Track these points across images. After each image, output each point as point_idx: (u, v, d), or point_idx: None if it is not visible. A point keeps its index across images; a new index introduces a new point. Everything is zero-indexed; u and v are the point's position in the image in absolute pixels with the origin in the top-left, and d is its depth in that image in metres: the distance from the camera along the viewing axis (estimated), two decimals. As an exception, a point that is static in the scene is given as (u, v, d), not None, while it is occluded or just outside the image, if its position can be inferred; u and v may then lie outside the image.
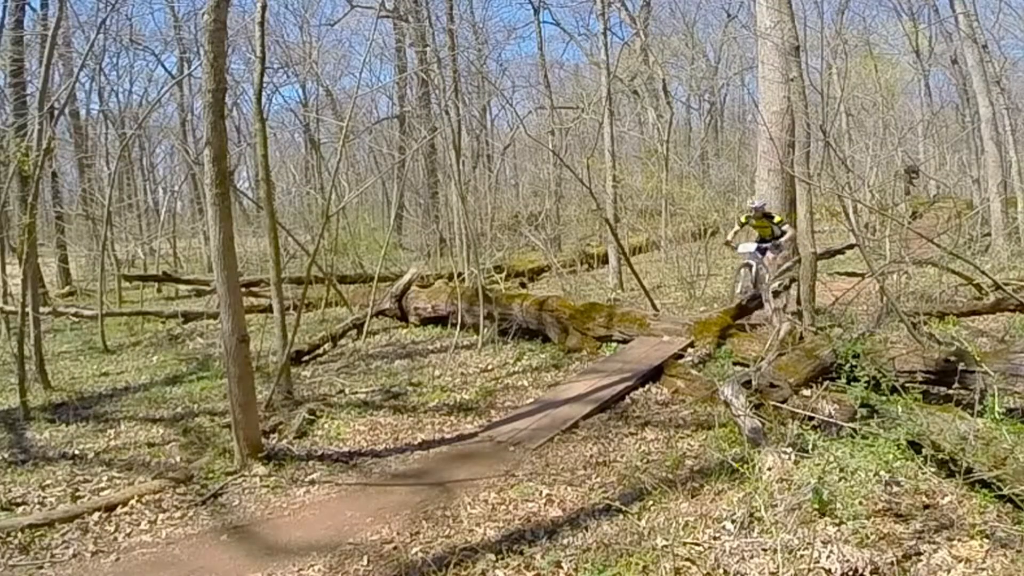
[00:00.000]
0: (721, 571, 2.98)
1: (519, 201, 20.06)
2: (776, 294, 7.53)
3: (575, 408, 5.46)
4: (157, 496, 4.28)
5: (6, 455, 5.24)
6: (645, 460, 4.46)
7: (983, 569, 2.86)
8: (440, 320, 9.13)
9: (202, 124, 6.20)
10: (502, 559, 3.27)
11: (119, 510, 4.10)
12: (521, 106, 23.86)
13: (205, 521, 4.02)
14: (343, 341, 8.66)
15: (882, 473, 3.58)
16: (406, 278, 9.57)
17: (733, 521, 3.32)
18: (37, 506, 4.26)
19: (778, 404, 4.56)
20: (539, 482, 4.19)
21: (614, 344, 7.15)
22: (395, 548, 3.50)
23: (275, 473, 4.59)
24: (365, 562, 3.38)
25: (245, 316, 4.98)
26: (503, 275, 11.01)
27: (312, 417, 5.68)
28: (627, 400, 5.74)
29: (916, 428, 3.80)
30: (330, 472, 4.64)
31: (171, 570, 3.47)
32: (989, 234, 12.95)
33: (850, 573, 2.83)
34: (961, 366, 4.55)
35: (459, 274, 9.81)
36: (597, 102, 15.54)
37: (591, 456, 4.62)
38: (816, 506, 3.27)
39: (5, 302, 10.09)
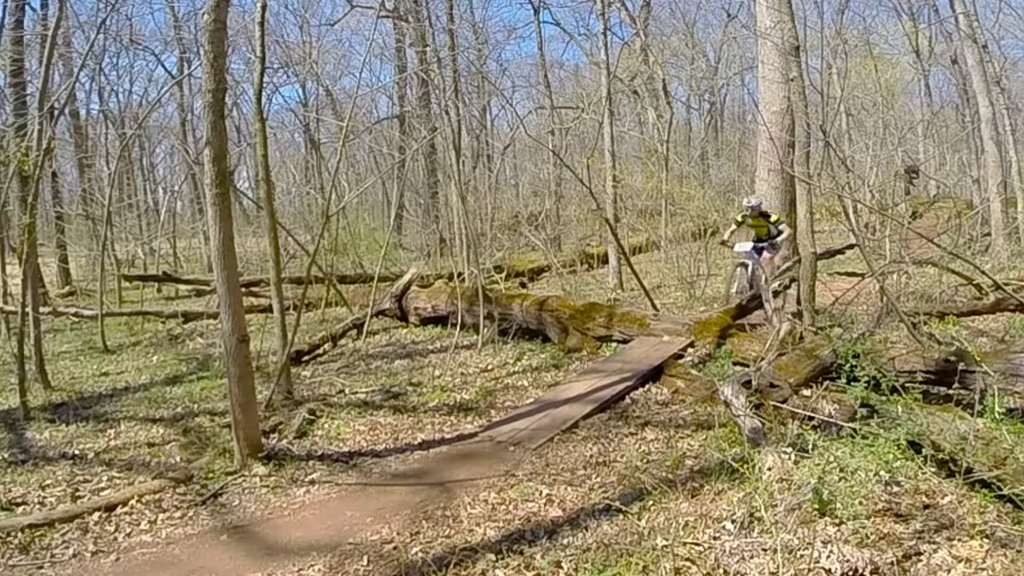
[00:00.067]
0: (721, 571, 2.98)
1: (519, 201, 20.06)
2: (776, 294, 7.53)
3: (575, 408, 5.46)
4: (157, 496, 4.28)
5: (6, 455, 5.24)
6: (645, 460, 4.46)
7: (983, 569, 2.86)
8: (440, 320, 9.13)
9: (202, 124, 6.20)
10: (502, 559, 3.27)
11: (119, 510, 4.10)
12: (521, 106, 23.90)
13: (205, 521, 4.02)
14: (343, 341, 8.66)
15: (882, 473, 3.58)
16: (406, 278, 9.57)
17: (733, 521, 3.32)
18: (37, 506, 4.26)
19: (778, 404, 4.56)
20: (539, 482, 4.19)
21: (614, 344, 7.15)
22: (395, 548, 3.50)
23: (275, 473, 4.59)
24: (365, 562, 3.38)
25: (245, 316, 4.98)
26: (503, 275, 11.01)
27: (312, 417, 5.68)
28: (627, 400, 5.74)
29: (916, 428, 3.80)
30: (330, 472, 4.64)
31: (171, 570, 3.47)
32: (989, 234, 12.95)
33: (850, 573, 2.83)
34: (961, 366, 4.55)
35: (459, 274, 9.81)
36: (597, 102, 15.54)
37: (591, 456, 4.62)
38: (816, 506, 3.27)
39: (5, 302, 10.09)
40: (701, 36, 25.57)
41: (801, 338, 5.66)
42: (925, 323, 5.87)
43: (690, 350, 6.49)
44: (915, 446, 3.81)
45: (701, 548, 3.18)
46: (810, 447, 3.91)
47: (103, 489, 4.49)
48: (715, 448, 4.31)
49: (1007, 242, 12.48)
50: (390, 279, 10.50)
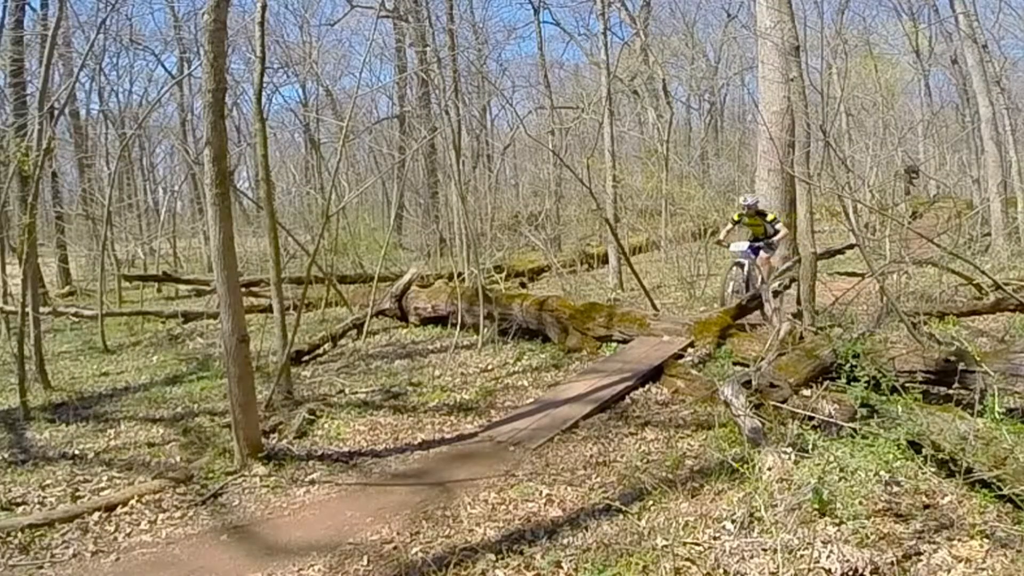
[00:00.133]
0: (721, 571, 2.98)
1: (519, 201, 20.07)
2: (776, 294, 7.53)
3: (575, 408, 5.46)
4: (157, 496, 4.28)
5: (6, 455, 5.24)
6: (645, 460, 4.46)
7: (983, 569, 2.86)
8: (440, 320, 9.13)
9: (202, 124, 6.20)
10: (502, 559, 3.27)
11: (119, 510, 4.10)
12: (521, 106, 23.90)
13: (205, 521, 4.02)
14: (343, 341, 8.66)
15: (882, 473, 3.57)
16: (406, 278, 9.57)
17: (733, 521, 3.32)
18: (37, 506, 4.26)
19: (778, 404, 4.56)
20: (539, 482, 4.19)
21: (614, 344, 7.15)
22: (395, 548, 3.50)
23: (275, 473, 4.59)
24: (365, 562, 3.38)
25: (245, 316, 4.98)
26: (503, 275, 11.01)
27: (312, 417, 5.68)
28: (627, 400, 5.74)
29: (916, 428, 3.80)
30: (330, 472, 4.64)
31: (171, 570, 3.47)
32: (989, 234, 12.95)
33: (850, 573, 2.83)
34: (961, 366, 4.55)
35: (459, 274, 9.81)
36: (597, 102, 15.54)
37: (591, 456, 4.62)
38: (816, 506, 3.27)
39: (5, 302, 10.09)
40: (701, 36, 25.61)
41: (801, 338, 5.66)
42: (925, 323, 5.87)
43: (690, 350, 6.49)
44: (915, 446, 3.81)
45: (701, 548, 3.18)
46: (810, 447, 3.91)
47: (103, 489, 4.49)
48: (715, 448, 4.31)
49: (1007, 242, 12.48)
50: (390, 279, 10.50)
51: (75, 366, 8.65)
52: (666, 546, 3.15)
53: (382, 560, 3.38)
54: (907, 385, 4.53)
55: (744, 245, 8.72)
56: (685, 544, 3.21)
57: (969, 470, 3.42)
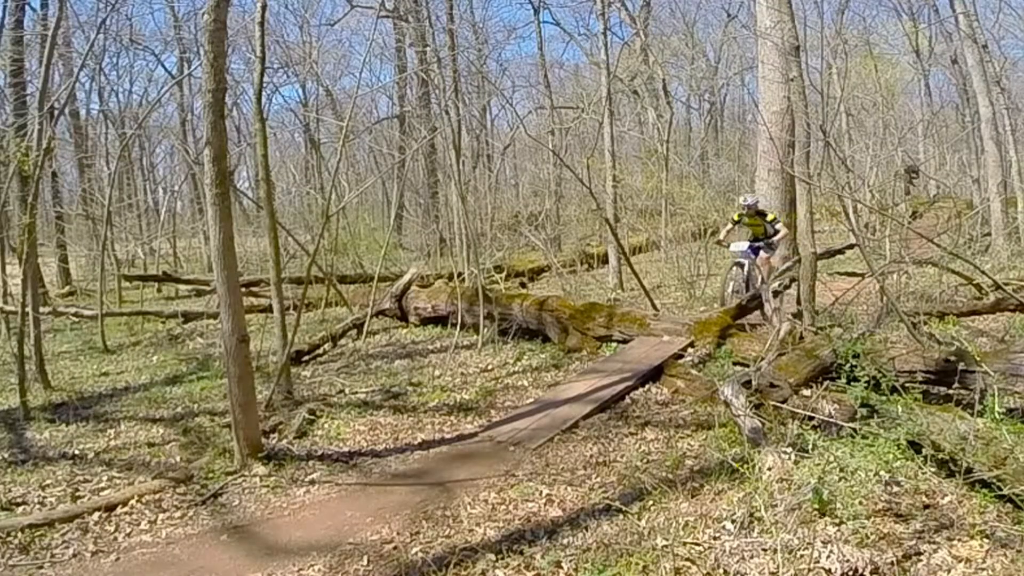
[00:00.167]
0: (721, 571, 2.98)
1: (519, 201, 20.07)
2: (776, 294, 7.53)
3: (575, 408, 5.46)
4: (157, 496, 4.28)
5: (6, 455, 5.24)
6: (645, 460, 4.46)
7: (983, 569, 2.86)
8: (440, 320, 9.13)
9: (202, 124, 6.20)
10: (502, 559, 3.27)
11: (119, 510, 4.10)
12: (521, 106, 23.92)
13: (205, 521, 4.02)
14: (343, 341, 8.66)
15: (882, 473, 3.57)
16: (406, 278, 9.57)
17: (733, 521, 3.32)
18: (37, 506, 4.26)
19: (778, 404, 4.56)
20: (539, 482, 4.19)
21: (614, 344, 7.15)
22: (395, 548, 3.50)
23: (275, 473, 4.59)
24: (365, 562, 3.38)
25: (245, 316, 4.98)
26: (503, 275, 11.01)
27: (312, 417, 5.68)
28: (627, 400, 5.74)
29: (916, 428, 3.80)
30: (330, 472, 4.64)
31: (171, 570, 3.47)
32: (989, 234, 12.95)
33: (850, 573, 2.83)
34: (961, 366, 4.55)
35: (459, 274, 9.81)
36: (597, 102, 15.54)
37: (591, 456, 4.62)
38: (816, 506, 3.27)
39: (5, 302, 10.09)
40: (701, 36, 25.62)
41: (801, 338, 5.66)
42: (925, 323, 5.87)
43: (690, 350, 6.49)
44: (915, 446, 3.80)
45: (701, 548, 3.18)
46: (810, 447, 3.91)
47: (103, 489, 4.49)
48: (715, 448, 4.31)
49: (1007, 242, 12.48)
50: (390, 279, 10.50)
51: (75, 366, 8.65)
52: (666, 546, 3.15)
53: (382, 560, 3.38)
54: (907, 385, 4.53)
55: (744, 245, 8.70)
56: (685, 544, 3.21)
57: (969, 470, 3.42)
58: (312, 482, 4.48)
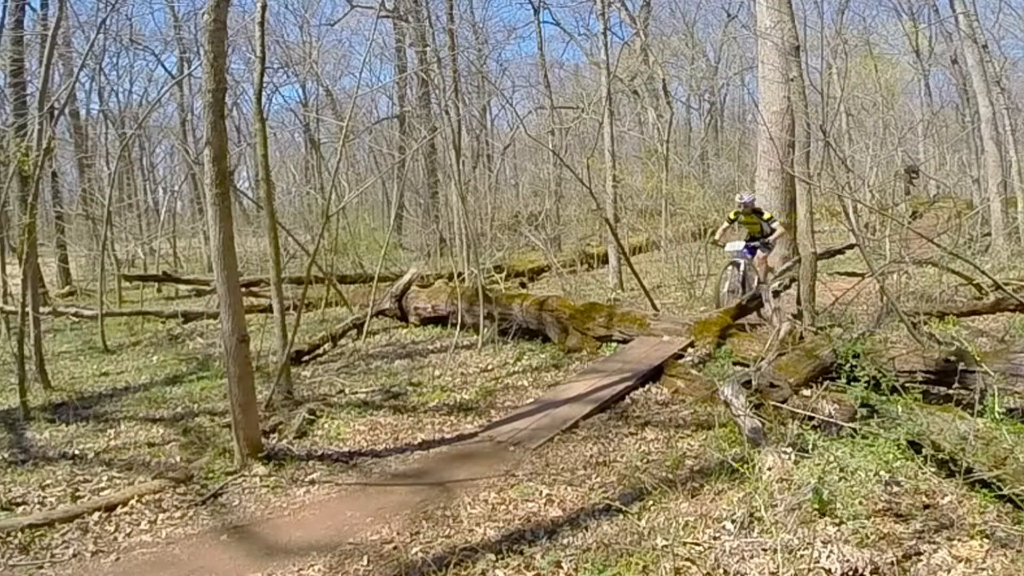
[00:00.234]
0: (721, 571, 2.98)
1: (519, 201, 20.07)
2: (776, 294, 7.53)
3: (575, 408, 5.46)
4: (157, 496, 4.28)
5: (6, 455, 5.24)
6: (645, 460, 4.46)
7: (983, 569, 2.86)
8: (440, 320, 9.13)
9: (202, 124, 6.20)
10: (502, 559, 3.27)
11: (119, 510, 4.10)
12: (521, 106, 23.92)
13: (205, 521, 4.02)
14: (343, 341, 8.66)
15: (882, 473, 3.57)
16: (406, 278, 9.57)
17: (733, 521, 3.32)
18: (37, 506, 4.26)
19: (778, 404, 4.56)
20: (539, 482, 4.19)
21: (614, 344, 7.15)
22: (395, 548, 3.50)
23: (275, 473, 4.59)
24: (365, 562, 3.38)
25: (245, 316, 4.98)
26: (503, 275, 11.01)
27: (312, 417, 5.68)
28: (627, 400, 5.74)
29: (916, 428, 3.80)
30: (330, 472, 4.64)
31: (171, 570, 3.47)
32: (989, 234, 12.95)
33: (850, 573, 2.83)
34: (961, 366, 4.55)
35: (459, 274, 9.81)
36: (597, 102, 15.54)
37: (591, 456, 4.62)
38: (816, 506, 3.27)
39: (5, 302, 10.09)
40: (701, 36, 25.61)
41: (801, 338, 5.66)
42: (925, 323, 5.87)
43: (690, 350, 6.49)
44: (915, 446, 3.81)
45: (701, 548, 3.18)
46: (810, 447, 3.91)
47: (103, 489, 4.49)
48: (715, 448, 4.31)
49: (1007, 242, 12.48)
50: (390, 279, 10.50)
51: (75, 366, 8.65)
52: (666, 546, 3.15)
53: (382, 560, 3.38)
54: (907, 385, 4.53)
55: (740, 245, 8.66)
56: (685, 544, 3.21)
57: (969, 470, 3.42)
58: (312, 482, 4.48)
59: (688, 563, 3.07)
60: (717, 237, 9.19)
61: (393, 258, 14.23)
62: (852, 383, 4.52)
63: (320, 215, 10.48)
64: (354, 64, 24.92)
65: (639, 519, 3.53)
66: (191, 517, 4.05)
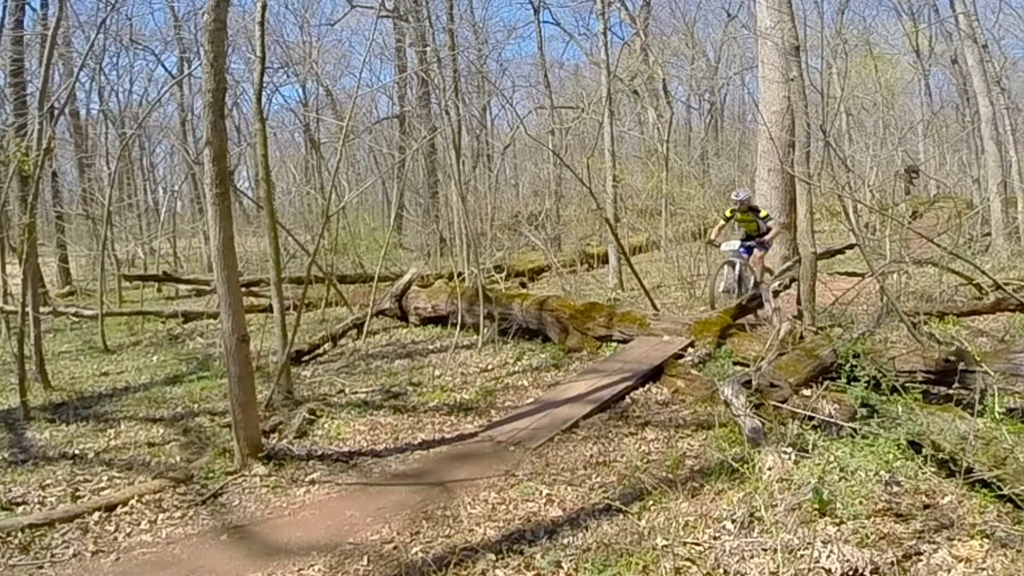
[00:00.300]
0: (721, 571, 2.98)
1: (519, 201, 20.08)
2: (776, 294, 7.53)
3: (575, 408, 5.46)
4: (157, 496, 4.28)
5: (6, 455, 5.24)
6: (645, 460, 4.46)
7: (983, 569, 2.86)
8: (440, 320, 9.13)
9: (202, 124, 6.20)
10: (502, 559, 3.27)
11: (119, 510, 4.10)
12: (521, 106, 23.90)
13: (205, 521, 4.02)
14: (343, 341, 8.67)
15: (882, 473, 3.57)
16: (406, 278, 9.57)
17: (733, 521, 3.32)
18: (37, 506, 4.26)
19: (778, 404, 4.56)
20: (539, 482, 4.19)
21: (614, 344, 7.15)
22: (395, 548, 3.50)
23: (275, 473, 4.59)
24: (365, 562, 3.38)
25: (245, 316, 4.98)
26: (503, 275, 11.00)
27: (312, 417, 5.68)
28: (627, 400, 5.74)
29: (916, 428, 3.80)
30: (330, 472, 4.64)
31: (171, 570, 3.47)
32: (989, 234, 12.95)
33: (850, 573, 2.83)
34: (961, 366, 4.55)
35: (459, 274, 9.81)
36: (597, 102, 15.54)
37: (591, 456, 4.62)
38: (816, 506, 3.27)
39: (5, 302, 10.09)
40: (701, 36, 25.61)
41: (801, 338, 5.66)
42: (925, 323, 5.86)
43: (690, 350, 6.49)
44: (915, 446, 3.81)
45: (701, 548, 3.18)
46: (810, 447, 3.91)
47: (103, 489, 4.49)
48: (715, 448, 4.31)
49: (1007, 242, 12.48)
50: (390, 279, 10.50)
51: (75, 366, 8.65)
52: (666, 546, 3.15)
53: (382, 560, 3.38)
54: (907, 385, 4.53)
55: (736, 244, 8.60)
56: (685, 544, 3.21)
57: (969, 470, 3.42)
58: (312, 482, 4.48)
59: (688, 563, 3.07)
60: (712, 237, 9.09)
61: (393, 258, 14.24)
62: (852, 383, 4.52)
63: (320, 215, 10.48)
64: (354, 64, 25.00)
65: (639, 519, 3.53)
66: (191, 517, 4.05)
